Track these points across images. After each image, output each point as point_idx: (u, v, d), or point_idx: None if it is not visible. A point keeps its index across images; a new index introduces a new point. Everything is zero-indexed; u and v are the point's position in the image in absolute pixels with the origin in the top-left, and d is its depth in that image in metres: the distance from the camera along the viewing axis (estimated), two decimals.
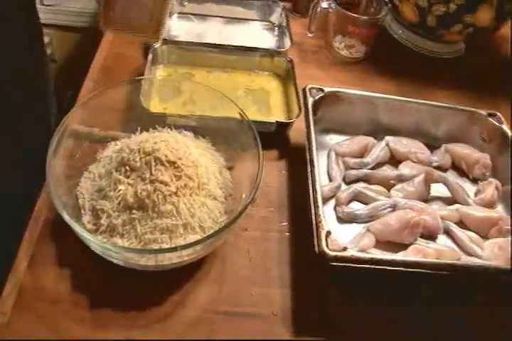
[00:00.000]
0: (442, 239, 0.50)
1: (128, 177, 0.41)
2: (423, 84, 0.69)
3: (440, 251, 0.47)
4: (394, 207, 0.50)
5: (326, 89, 0.56)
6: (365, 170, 0.54)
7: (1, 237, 0.50)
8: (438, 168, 0.56)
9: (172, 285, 0.42)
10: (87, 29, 0.98)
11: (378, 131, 0.58)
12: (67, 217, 0.37)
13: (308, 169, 0.47)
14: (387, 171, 0.55)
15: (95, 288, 0.41)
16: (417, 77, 0.70)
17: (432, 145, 0.58)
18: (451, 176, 0.56)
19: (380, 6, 0.68)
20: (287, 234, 0.48)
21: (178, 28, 0.69)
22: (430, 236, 0.49)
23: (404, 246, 0.47)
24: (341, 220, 0.50)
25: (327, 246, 0.41)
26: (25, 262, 0.41)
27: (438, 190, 0.54)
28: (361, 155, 0.56)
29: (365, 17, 0.67)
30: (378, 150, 0.55)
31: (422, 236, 0.49)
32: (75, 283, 0.41)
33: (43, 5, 0.95)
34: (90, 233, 0.40)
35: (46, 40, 0.97)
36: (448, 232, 0.50)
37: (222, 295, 0.42)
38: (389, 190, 0.52)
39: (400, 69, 0.70)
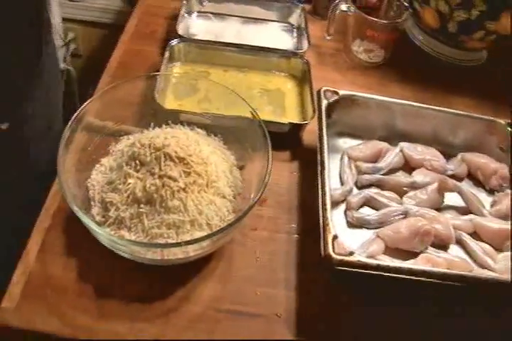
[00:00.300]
0: (454, 250, 0.49)
1: (138, 172, 0.42)
2: (442, 92, 0.68)
3: (451, 261, 0.46)
4: (405, 214, 0.49)
5: (341, 92, 0.55)
6: (377, 176, 0.53)
7: (12, 226, 0.50)
8: (453, 176, 0.55)
9: (178, 280, 0.43)
10: (112, 26, 1.00)
11: (393, 137, 0.57)
12: (75, 208, 0.37)
13: (319, 171, 0.47)
14: (401, 177, 0.54)
15: (101, 279, 0.42)
16: (437, 84, 0.69)
17: (448, 154, 0.57)
18: (466, 186, 0.55)
19: (400, 11, 0.68)
20: (295, 235, 0.48)
21: (196, 26, 0.69)
22: (442, 245, 0.49)
23: (414, 254, 0.47)
24: (351, 225, 0.49)
25: (333, 249, 0.40)
26: (35, 250, 0.42)
27: (452, 199, 0.53)
28: (375, 160, 0.55)
29: (384, 21, 0.66)
30: (392, 155, 0.55)
31: (434, 246, 0.48)
32: (82, 273, 0.42)
33: (69, 0, 0.97)
34: (99, 225, 0.41)
35: (71, 35, 0.99)
36: (460, 243, 0.50)
37: (227, 293, 0.42)
38: (401, 197, 0.52)
39: (419, 76, 0.70)
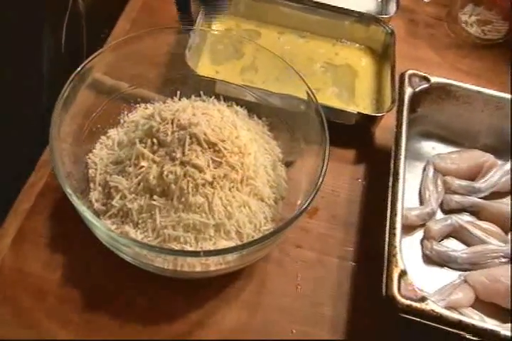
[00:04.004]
0: None
1: (154, 153, 0.47)
2: None
3: None
4: (509, 258, 0.52)
5: (433, 79, 0.59)
6: (474, 199, 0.57)
7: None
8: None
9: (192, 299, 0.47)
10: None
11: (503, 148, 0.61)
12: (69, 191, 0.42)
13: (390, 182, 0.51)
14: (508, 206, 0.57)
15: (93, 285, 0.46)
16: None
17: None
18: None
19: None
20: (351, 263, 0.52)
21: None
22: None
23: None
24: (428, 260, 0.53)
25: (399, 290, 0.44)
26: (9, 237, 0.47)
27: None
28: (472, 177, 0.59)
29: None
30: (499, 174, 0.58)
31: None
32: (69, 275, 0.46)
33: None
34: (97, 214, 0.46)
35: None
36: None
37: (253, 325, 0.47)
38: (506, 233, 0.55)
39: None
